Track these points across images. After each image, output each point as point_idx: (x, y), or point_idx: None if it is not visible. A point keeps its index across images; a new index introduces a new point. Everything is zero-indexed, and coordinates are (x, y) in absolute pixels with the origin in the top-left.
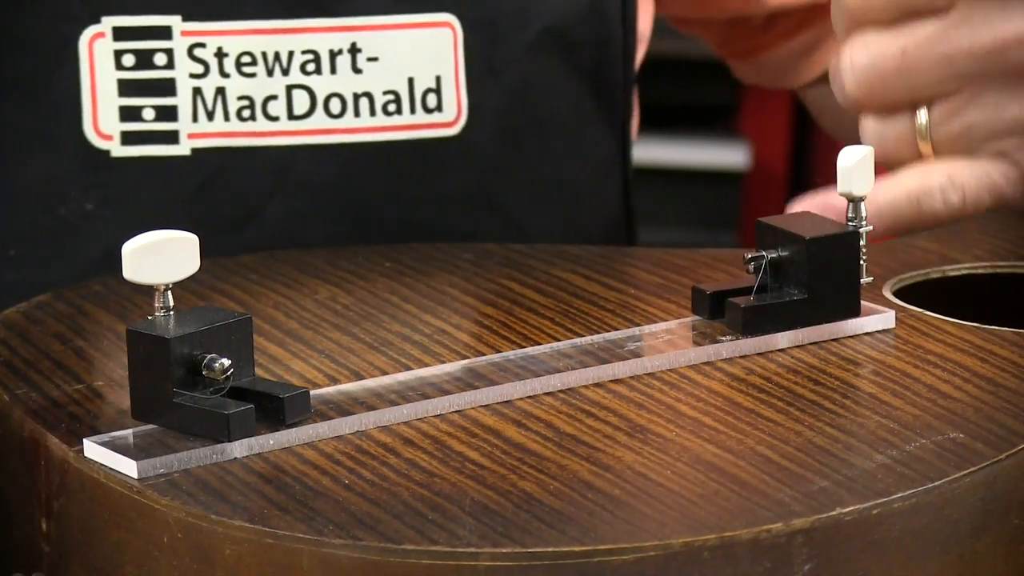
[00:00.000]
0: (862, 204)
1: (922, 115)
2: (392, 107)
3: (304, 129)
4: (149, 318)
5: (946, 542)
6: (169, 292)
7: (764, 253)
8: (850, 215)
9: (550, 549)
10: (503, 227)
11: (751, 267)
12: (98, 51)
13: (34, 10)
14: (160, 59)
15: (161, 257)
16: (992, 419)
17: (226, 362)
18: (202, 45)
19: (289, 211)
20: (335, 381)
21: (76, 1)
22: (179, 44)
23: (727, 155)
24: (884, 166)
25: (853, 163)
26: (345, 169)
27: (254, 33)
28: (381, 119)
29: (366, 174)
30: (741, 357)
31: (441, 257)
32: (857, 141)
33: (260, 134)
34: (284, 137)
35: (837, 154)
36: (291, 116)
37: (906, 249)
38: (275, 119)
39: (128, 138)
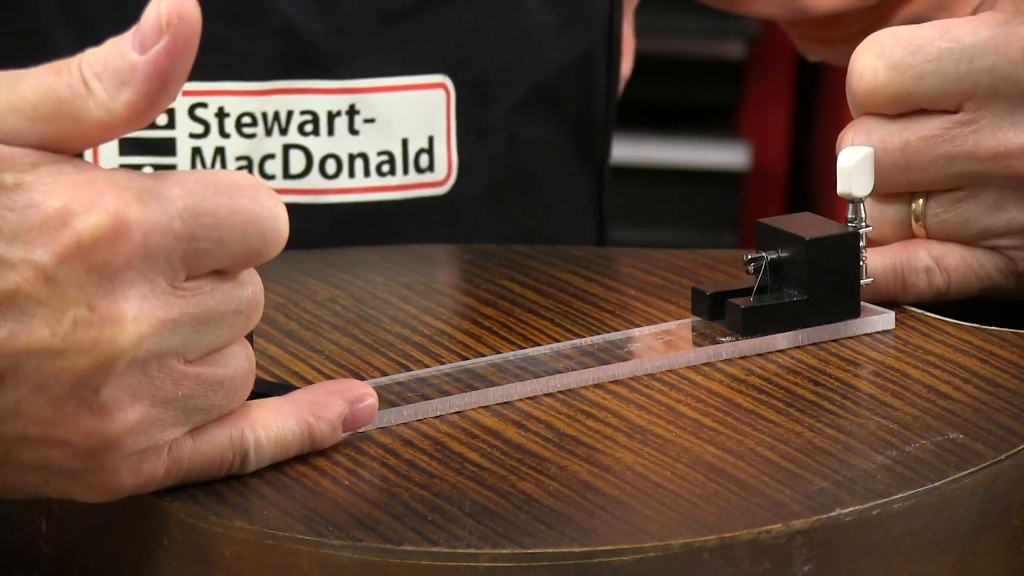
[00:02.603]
0: (862, 205)
1: (919, 203)
2: (386, 167)
3: (298, 188)
4: None
5: (946, 542)
6: None
7: (764, 254)
8: (850, 216)
9: (550, 550)
10: None
11: (751, 268)
12: None
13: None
14: (161, 119)
15: None
16: (992, 419)
17: None
18: (203, 105)
19: None
20: None
21: None
22: (180, 104)
23: (727, 155)
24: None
25: (853, 163)
26: (335, 228)
27: (255, 95)
28: (375, 179)
29: (355, 233)
30: (741, 358)
31: (441, 257)
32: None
33: None
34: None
35: (837, 154)
36: (286, 175)
37: None
38: (271, 177)
39: None
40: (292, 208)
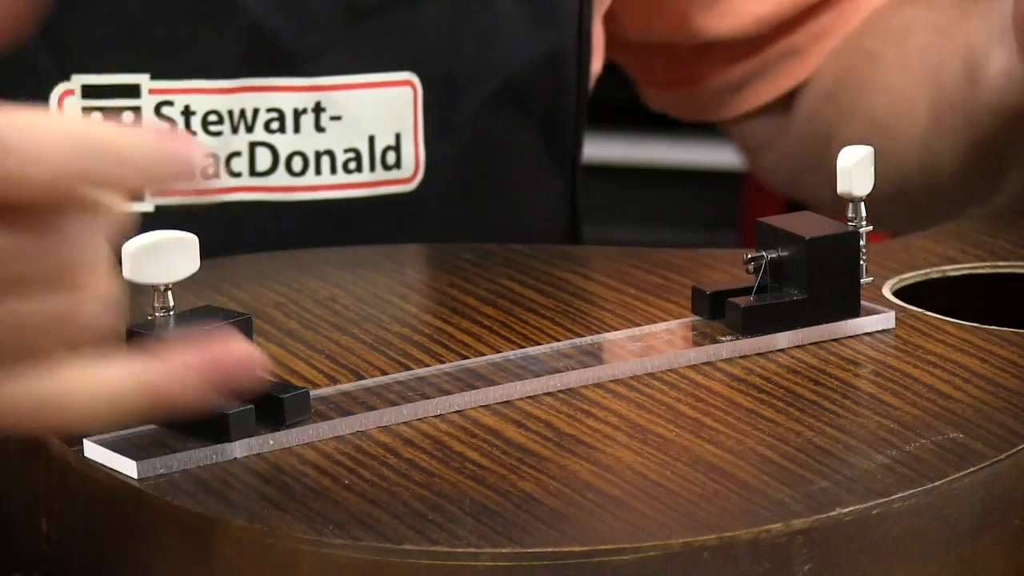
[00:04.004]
0: (862, 204)
1: None
2: (352, 165)
3: (265, 186)
4: (149, 318)
5: (946, 542)
6: (169, 292)
7: (764, 253)
8: (850, 215)
9: (550, 549)
10: None
11: (751, 267)
12: (68, 108)
13: (4, 66)
14: (127, 117)
15: (161, 257)
16: (992, 419)
17: None
18: (170, 103)
19: None
20: (335, 381)
21: (47, 59)
22: (147, 102)
23: (727, 155)
24: None
25: (853, 163)
26: (301, 225)
27: (221, 92)
28: (341, 177)
29: (322, 230)
30: (741, 357)
31: (441, 257)
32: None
33: (222, 190)
34: (244, 193)
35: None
36: (253, 172)
37: (906, 249)
38: (237, 175)
39: None
40: (259, 206)
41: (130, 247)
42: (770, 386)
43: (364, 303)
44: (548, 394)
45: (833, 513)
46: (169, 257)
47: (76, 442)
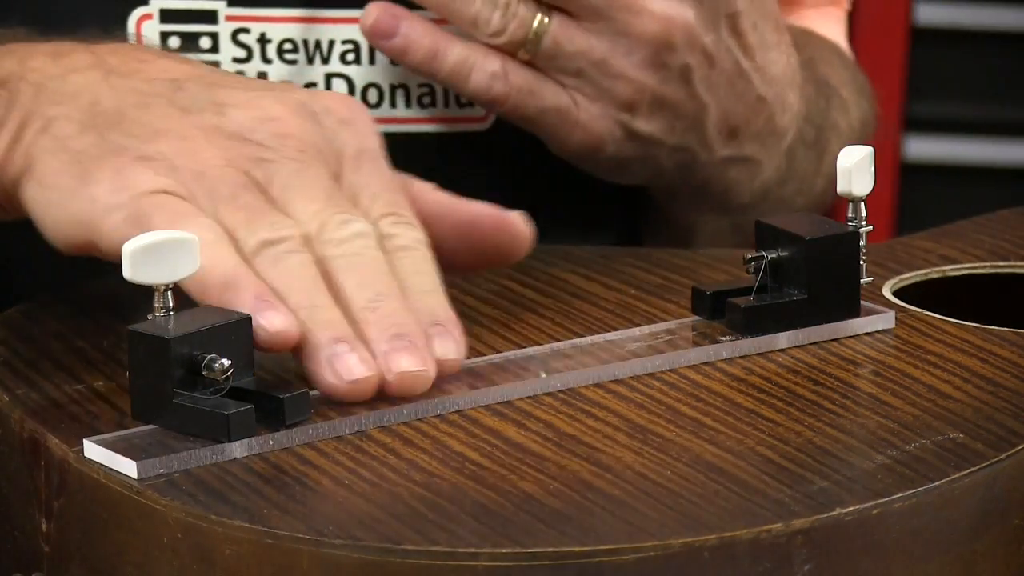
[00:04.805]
0: (862, 204)
1: (543, 21)
2: (427, 99)
3: None
4: (149, 318)
5: (946, 542)
6: (169, 292)
7: (764, 253)
8: (850, 215)
9: (550, 549)
10: None
11: (751, 267)
12: (145, 32)
13: None
14: (205, 42)
15: (161, 257)
16: (992, 419)
17: (226, 362)
18: (246, 31)
19: None
20: None
21: None
22: (224, 29)
23: None
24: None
25: (853, 163)
26: None
27: (297, 21)
28: (416, 111)
29: (397, 163)
30: (741, 357)
31: None
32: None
33: None
34: None
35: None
36: None
37: (906, 249)
38: None
39: None
40: None
41: (130, 247)
42: (770, 386)
43: None
44: (548, 394)
45: (833, 513)
46: (169, 257)
47: (76, 442)
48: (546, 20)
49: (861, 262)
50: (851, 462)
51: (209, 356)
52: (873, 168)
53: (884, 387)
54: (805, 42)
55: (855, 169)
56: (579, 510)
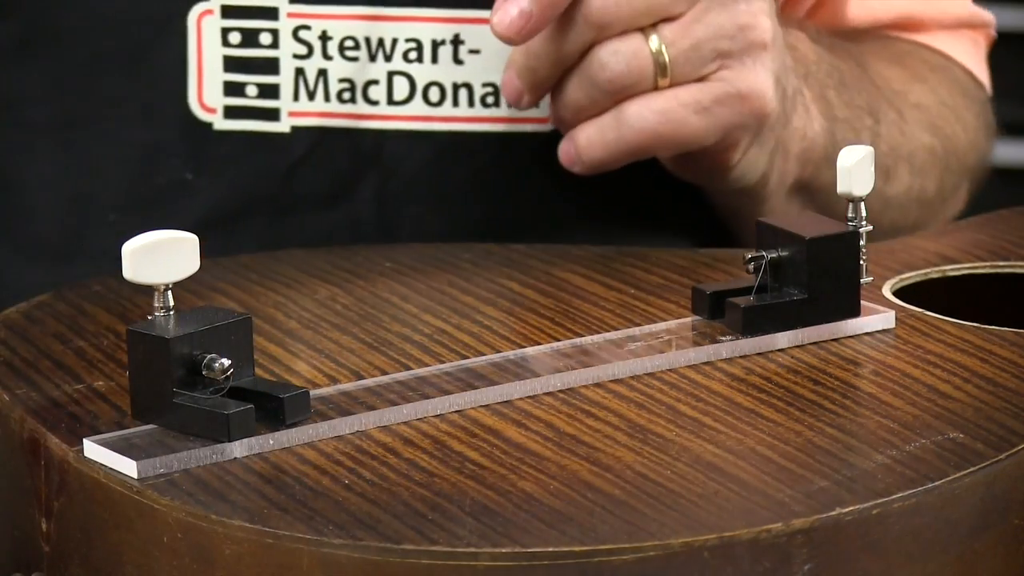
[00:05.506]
0: (862, 204)
1: (654, 40)
2: (490, 99)
3: (401, 115)
4: (149, 318)
5: (946, 542)
6: (169, 292)
7: (764, 253)
8: (850, 215)
9: (550, 549)
10: (585, 226)
11: (751, 267)
12: (206, 27)
13: None
14: (265, 38)
15: (161, 257)
16: (992, 419)
17: (226, 362)
18: (307, 27)
19: (379, 193)
20: (335, 381)
21: None
22: (285, 25)
23: None
24: (614, 86)
25: (853, 163)
26: (437, 156)
27: (358, 19)
28: (478, 110)
29: (457, 163)
30: (741, 357)
31: (441, 257)
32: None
33: (358, 116)
34: (381, 121)
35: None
36: (390, 101)
37: (906, 249)
38: (374, 103)
39: (231, 112)
40: (395, 134)
41: (130, 247)
42: (770, 386)
43: (364, 303)
44: (548, 394)
45: (833, 513)
46: (169, 257)
47: (76, 442)
48: (654, 38)
49: (861, 262)
50: (851, 462)
51: (209, 356)
52: (873, 168)
53: (884, 387)
54: (896, 52)
55: (855, 169)
56: (579, 510)
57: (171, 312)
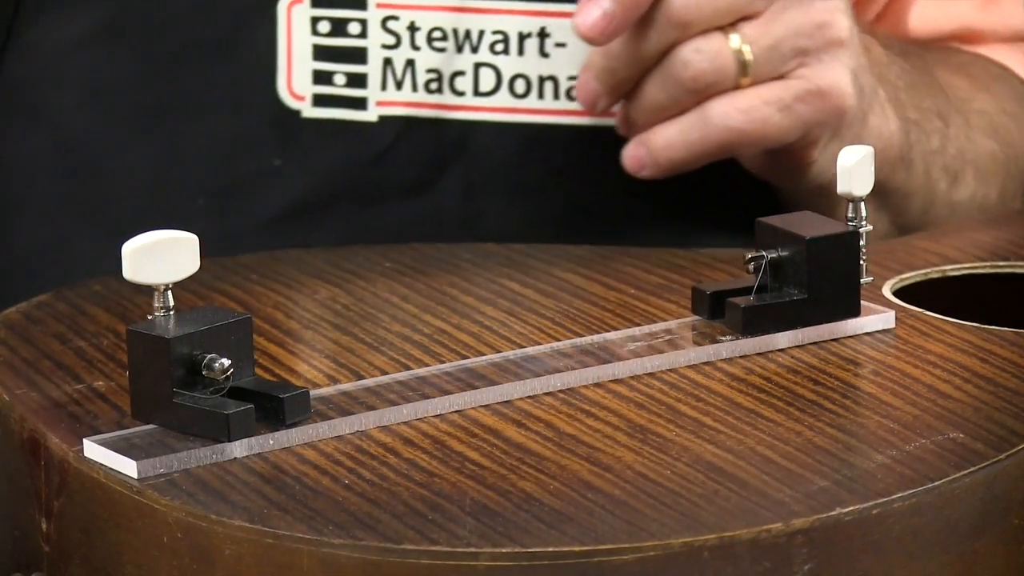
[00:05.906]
0: (862, 204)
1: (735, 39)
2: (575, 92)
3: (488, 106)
4: (149, 318)
5: (946, 542)
6: (169, 292)
7: (764, 253)
8: (850, 215)
9: (550, 549)
10: (663, 223)
11: (751, 267)
12: (296, 16)
13: None
14: (354, 28)
15: (161, 257)
16: (992, 419)
17: (226, 362)
18: (395, 18)
19: (464, 183)
20: (335, 381)
21: None
22: (373, 15)
23: None
24: (697, 84)
25: (853, 163)
26: (522, 147)
27: (446, 10)
28: (564, 103)
29: (541, 154)
30: (741, 357)
31: (441, 257)
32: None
33: (445, 107)
34: (467, 112)
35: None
36: (476, 92)
37: (906, 249)
38: (461, 94)
39: (319, 100)
40: (481, 125)
41: (130, 247)
42: (770, 386)
43: (364, 303)
44: (548, 394)
45: (833, 513)
46: (169, 257)
47: (76, 442)
48: (736, 37)
49: (861, 262)
50: (851, 462)
51: (209, 356)
52: (873, 168)
53: (884, 387)
54: (955, 62)
55: (855, 169)
56: (579, 510)
57: (171, 312)
